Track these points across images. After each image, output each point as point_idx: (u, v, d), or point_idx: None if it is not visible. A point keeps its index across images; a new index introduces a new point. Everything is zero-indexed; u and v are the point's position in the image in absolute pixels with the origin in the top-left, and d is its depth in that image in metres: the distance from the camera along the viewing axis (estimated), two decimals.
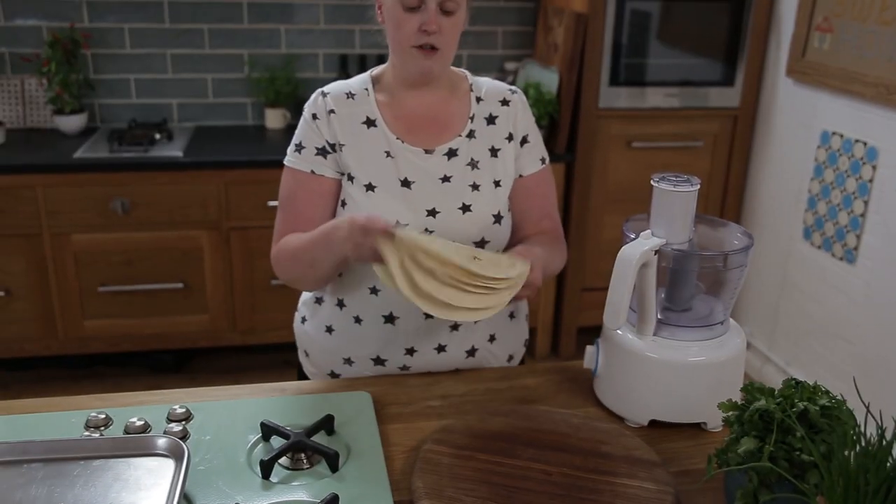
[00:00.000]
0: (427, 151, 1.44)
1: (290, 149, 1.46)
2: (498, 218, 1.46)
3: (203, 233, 2.92)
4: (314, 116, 1.45)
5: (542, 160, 1.54)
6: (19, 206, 2.78)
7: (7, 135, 3.07)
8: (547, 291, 3.25)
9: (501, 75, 3.51)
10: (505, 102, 1.51)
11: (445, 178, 1.43)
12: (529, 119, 1.53)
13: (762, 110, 3.17)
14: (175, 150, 2.91)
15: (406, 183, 1.42)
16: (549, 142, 3.08)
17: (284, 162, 1.46)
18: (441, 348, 1.48)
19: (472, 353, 1.50)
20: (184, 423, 1.27)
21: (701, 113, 3.14)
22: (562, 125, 3.03)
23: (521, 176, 1.51)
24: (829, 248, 2.79)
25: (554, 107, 3.01)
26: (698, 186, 1.24)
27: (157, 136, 3.04)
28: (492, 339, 1.53)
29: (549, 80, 3.10)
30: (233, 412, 1.30)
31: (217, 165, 2.84)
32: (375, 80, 1.49)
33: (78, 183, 2.79)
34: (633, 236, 1.27)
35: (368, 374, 1.50)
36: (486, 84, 1.53)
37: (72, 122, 3.12)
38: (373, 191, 1.41)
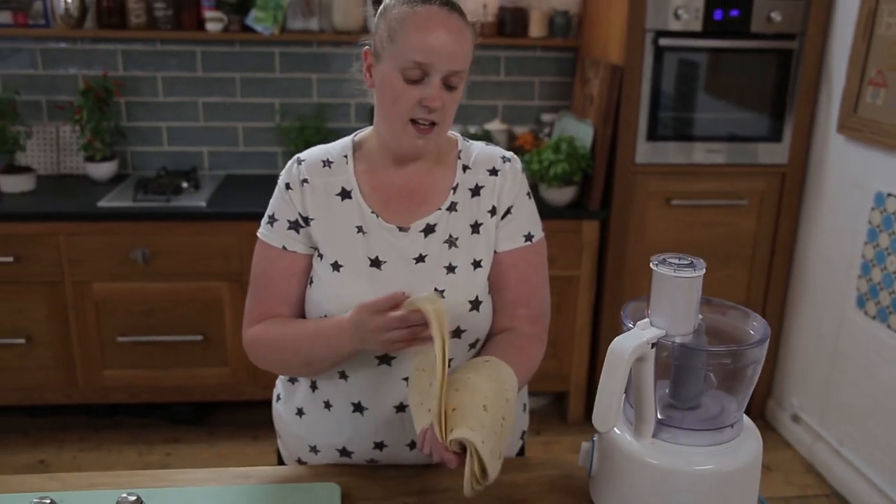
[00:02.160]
0: (402, 229, 1.32)
1: (264, 219, 1.37)
2: (475, 304, 1.32)
3: (223, 284, 2.86)
4: (287, 186, 1.34)
5: (528, 237, 1.37)
6: (42, 254, 2.77)
7: (39, 181, 3.08)
8: (581, 354, 3.09)
9: (537, 127, 3.40)
10: (494, 172, 1.36)
11: (420, 258, 1.31)
12: (520, 190, 1.38)
13: (812, 168, 2.98)
14: (199, 200, 2.87)
15: (376, 262, 1.31)
16: (582, 197, 2.96)
17: (259, 235, 1.37)
18: (413, 445, 1.34)
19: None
20: None
21: (746, 170, 2.97)
22: (596, 180, 2.90)
23: (496, 252, 1.36)
24: (885, 319, 2.57)
25: (587, 161, 2.88)
26: (703, 271, 1.10)
27: (185, 184, 3.02)
28: None
29: (584, 133, 2.97)
30: (189, 501, 1.19)
31: (239, 216, 2.79)
32: (357, 146, 1.38)
33: (100, 231, 2.77)
34: (630, 325, 1.13)
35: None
36: (478, 151, 1.39)
37: (102, 170, 3.13)
38: (338, 270, 1.30)
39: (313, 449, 1.38)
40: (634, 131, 2.87)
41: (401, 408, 1.32)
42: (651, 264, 1.10)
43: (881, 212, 2.59)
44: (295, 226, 1.33)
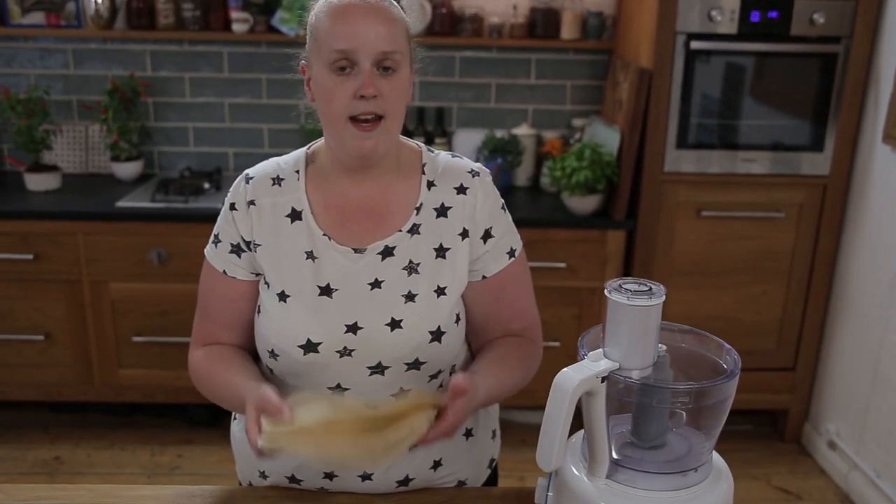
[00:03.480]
0: (357, 251, 1.22)
1: (211, 237, 1.29)
2: (437, 335, 1.21)
3: None
4: (232, 206, 1.25)
5: (511, 253, 1.29)
6: (61, 252, 2.79)
7: (66, 180, 3.12)
8: None
9: (568, 132, 3.29)
10: (462, 190, 1.25)
11: (375, 284, 1.21)
12: (493, 205, 1.28)
13: (856, 180, 2.79)
14: (216, 202, 2.85)
15: (327, 290, 1.21)
16: (607, 207, 2.84)
17: (204, 251, 1.30)
18: (366, 476, 1.26)
19: (405, 482, 1.28)
20: None
21: (784, 180, 2.80)
22: (622, 189, 2.77)
23: (484, 277, 1.27)
24: None
25: (613, 169, 2.76)
26: (662, 299, 0.99)
27: (206, 185, 3.01)
28: (436, 465, 1.29)
29: (612, 139, 2.85)
30: None
31: None
32: (310, 160, 1.27)
33: (117, 232, 2.77)
34: (584, 355, 1.04)
35: None
36: (444, 164, 1.28)
37: (127, 169, 3.14)
38: (285, 301, 1.21)
39: (262, 474, 1.31)
40: (663, 138, 2.74)
41: None
42: (605, 290, 1.00)
43: None
44: (237, 250, 1.25)
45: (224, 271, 1.25)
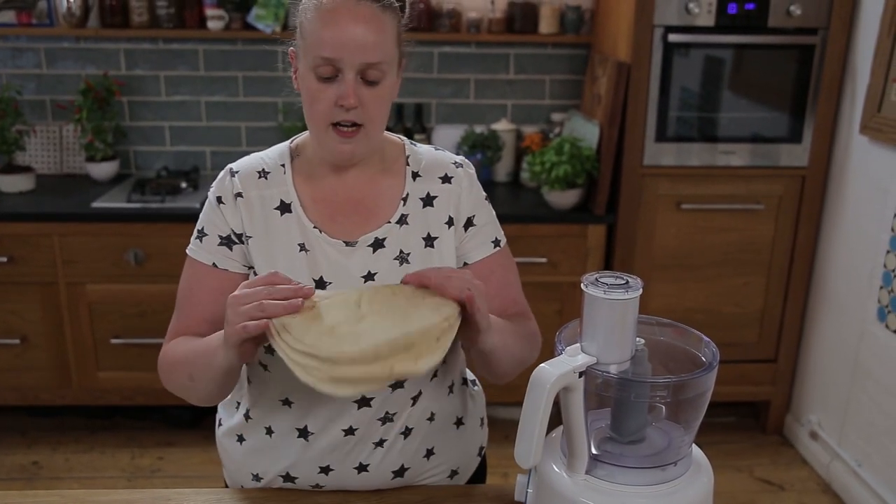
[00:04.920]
0: (348, 244, 1.22)
1: (193, 235, 1.25)
2: None
3: None
4: (220, 200, 1.23)
5: (495, 242, 1.31)
6: (36, 254, 2.75)
7: (40, 181, 3.07)
8: None
9: (547, 127, 3.28)
10: (446, 179, 1.27)
11: (369, 276, 1.21)
12: (477, 196, 1.30)
13: (834, 171, 2.81)
14: (193, 202, 2.82)
15: (321, 283, 1.20)
16: (587, 201, 2.84)
17: (186, 251, 1.26)
18: (362, 467, 1.25)
19: (400, 472, 1.27)
20: None
21: (762, 172, 2.81)
22: (601, 183, 2.77)
23: (466, 264, 1.28)
24: None
25: (592, 163, 2.76)
26: (639, 292, 0.98)
27: (183, 185, 2.97)
28: (429, 454, 1.29)
29: (591, 133, 2.85)
30: None
31: None
32: (295, 153, 1.26)
33: (92, 232, 2.74)
34: (561, 350, 1.03)
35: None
36: (427, 156, 1.29)
37: (103, 170, 3.10)
38: None
39: (256, 477, 1.29)
40: (642, 132, 2.74)
41: (350, 431, 1.23)
42: (581, 284, 0.99)
43: None
44: (227, 242, 1.22)
45: (214, 264, 1.22)
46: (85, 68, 3.17)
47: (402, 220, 1.24)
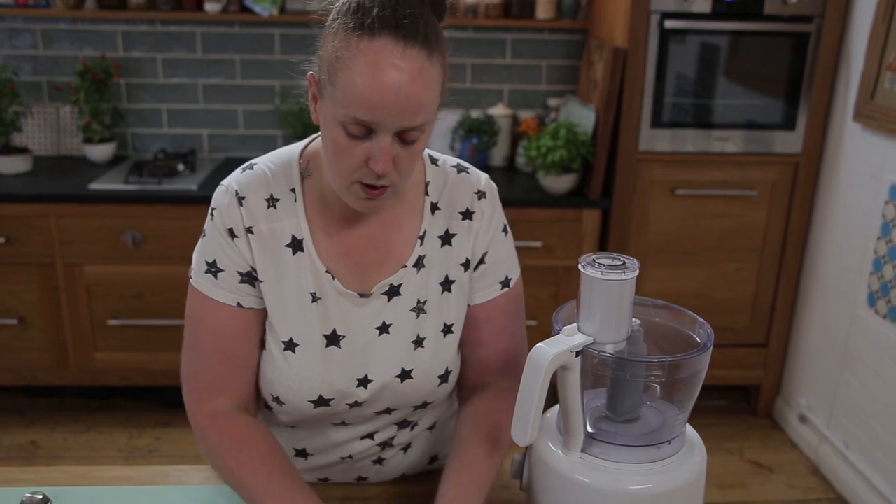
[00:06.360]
0: (362, 295, 1.11)
1: (200, 268, 1.09)
2: (445, 376, 1.16)
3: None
4: (231, 233, 1.07)
5: (505, 282, 1.19)
6: (34, 235, 2.76)
7: (37, 162, 3.08)
8: None
9: (543, 112, 3.30)
10: (468, 215, 1.15)
11: (383, 329, 1.12)
12: (495, 229, 1.17)
13: (827, 158, 2.83)
14: (191, 184, 2.83)
15: (334, 338, 1.10)
16: (583, 186, 2.86)
17: (196, 286, 1.10)
18: (361, 479, 1.27)
19: (400, 480, 1.29)
20: None
21: (757, 159, 2.83)
22: (597, 168, 2.79)
23: (468, 305, 1.19)
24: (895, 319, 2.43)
25: (588, 148, 2.77)
26: (636, 273, 1.00)
27: (181, 167, 2.98)
28: (432, 460, 1.31)
29: (587, 118, 2.86)
30: (96, 503, 1.15)
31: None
32: (305, 173, 1.11)
33: (90, 214, 2.75)
34: (558, 330, 1.05)
35: None
36: (449, 184, 1.15)
37: (100, 151, 3.11)
38: (293, 350, 1.10)
39: None
40: (638, 117, 2.76)
41: (349, 458, 1.23)
42: (578, 265, 1.01)
43: (895, 206, 2.45)
44: (249, 279, 1.09)
45: (239, 304, 1.09)
46: (82, 50, 3.17)
47: (419, 264, 1.14)
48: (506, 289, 1.20)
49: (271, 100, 3.25)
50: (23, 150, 3.00)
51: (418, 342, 1.14)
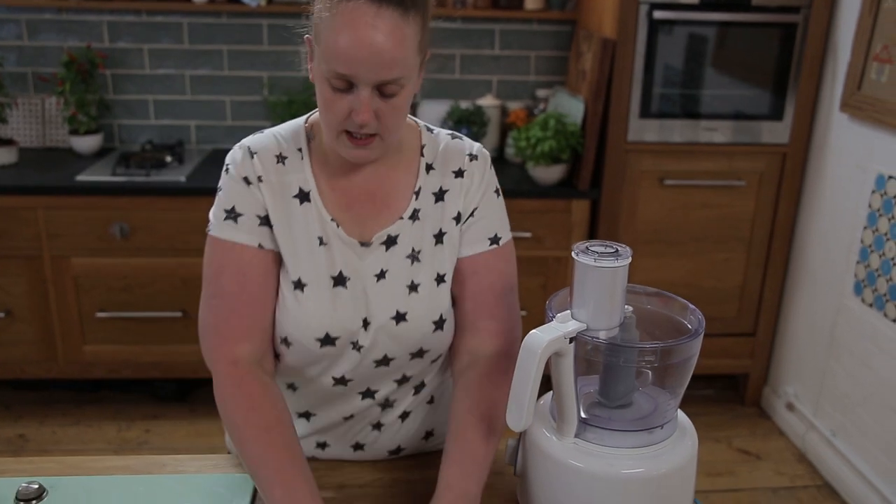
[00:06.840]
0: (363, 244, 1.18)
1: (219, 216, 1.15)
2: (439, 323, 1.20)
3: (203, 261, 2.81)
4: (246, 180, 1.14)
5: (494, 239, 1.23)
6: (20, 228, 2.74)
7: (22, 154, 3.05)
8: None
9: (532, 102, 3.30)
10: (459, 173, 1.22)
11: (381, 275, 1.18)
12: (487, 187, 1.23)
13: (814, 148, 2.85)
14: (179, 175, 2.82)
15: (340, 279, 1.16)
16: (572, 176, 2.87)
17: (213, 234, 1.16)
18: (358, 446, 1.28)
19: (396, 451, 1.31)
20: (34, 502, 1.12)
21: (744, 149, 2.85)
22: (586, 159, 2.80)
23: (457, 259, 1.22)
24: (882, 308, 2.46)
25: (577, 139, 2.78)
26: (628, 260, 1.01)
27: (168, 158, 2.96)
28: (428, 435, 1.32)
29: (576, 109, 2.87)
30: (92, 492, 1.14)
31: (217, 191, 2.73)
32: (311, 135, 1.19)
33: (77, 206, 2.73)
34: (552, 317, 1.06)
35: None
36: (443, 146, 1.23)
37: (86, 143, 3.08)
38: (301, 290, 1.15)
39: None
40: (626, 108, 2.76)
41: (350, 418, 1.26)
42: (572, 253, 1.02)
43: (881, 195, 2.47)
44: (266, 222, 1.15)
45: (259, 245, 1.15)
46: (67, 40, 3.14)
47: (415, 216, 1.20)
48: (494, 245, 1.23)
49: (259, 91, 3.23)
50: (8, 142, 2.97)
51: (413, 287, 1.19)
